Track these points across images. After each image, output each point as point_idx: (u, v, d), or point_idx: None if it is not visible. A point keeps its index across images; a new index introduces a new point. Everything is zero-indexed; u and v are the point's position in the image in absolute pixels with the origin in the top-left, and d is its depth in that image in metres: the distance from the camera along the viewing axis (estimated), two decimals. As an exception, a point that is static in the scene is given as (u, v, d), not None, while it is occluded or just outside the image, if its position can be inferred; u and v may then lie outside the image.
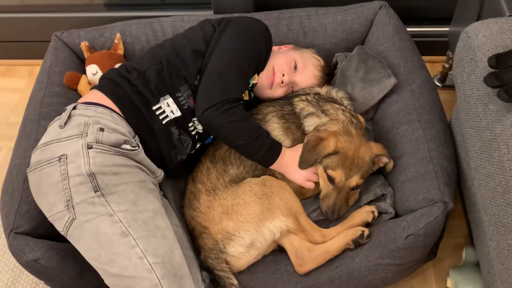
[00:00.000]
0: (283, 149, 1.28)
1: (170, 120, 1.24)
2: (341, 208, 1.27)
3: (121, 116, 1.18)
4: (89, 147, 1.08)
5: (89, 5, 2.09)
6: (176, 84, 1.25)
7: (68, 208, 1.06)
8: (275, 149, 1.27)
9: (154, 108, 1.22)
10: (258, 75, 1.39)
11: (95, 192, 1.06)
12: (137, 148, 1.16)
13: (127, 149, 1.13)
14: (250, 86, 1.38)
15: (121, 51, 1.63)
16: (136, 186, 1.11)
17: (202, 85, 1.24)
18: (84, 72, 1.60)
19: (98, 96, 1.20)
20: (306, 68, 1.44)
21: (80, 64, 1.65)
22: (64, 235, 1.10)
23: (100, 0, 2.09)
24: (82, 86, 1.56)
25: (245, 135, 1.21)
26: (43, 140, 1.15)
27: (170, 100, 1.24)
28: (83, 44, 1.61)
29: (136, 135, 1.20)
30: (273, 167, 1.28)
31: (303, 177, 1.29)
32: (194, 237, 1.30)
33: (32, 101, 1.48)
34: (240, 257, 1.23)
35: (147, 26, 1.65)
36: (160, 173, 1.27)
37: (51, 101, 1.47)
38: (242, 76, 1.27)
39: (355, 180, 1.25)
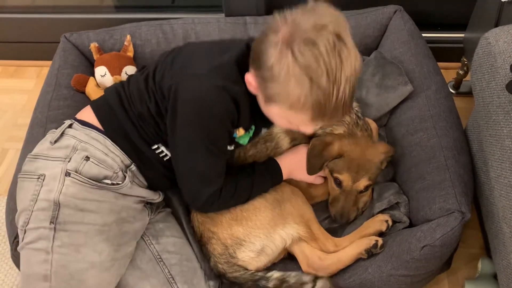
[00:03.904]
0: (281, 161, 1.25)
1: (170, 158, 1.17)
2: (349, 211, 1.26)
3: (115, 144, 1.11)
4: (67, 174, 1.04)
5: (99, 7, 2.08)
6: (164, 138, 1.14)
7: (22, 229, 1.05)
8: (275, 172, 1.24)
9: (153, 148, 1.15)
10: (241, 127, 1.14)
11: (50, 223, 1.02)
12: (120, 183, 1.09)
13: (108, 184, 1.07)
14: (237, 138, 1.18)
15: (130, 53, 1.62)
16: (93, 230, 1.05)
17: (179, 181, 1.14)
18: (93, 75, 1.58)
19: (95, 120, 1.14)
20: (307, 127, 1.05)
21: (89, 66, 1.64)
22: None
23: (110, 2, 2.08)
24: (90, 88, 1.54)
25: (244, 196, 1.19)
26: (36, 149, 1.13)
27: (164, 148, 1.16)
28: (93, 46, 1.60)
29: (132, 164, 1.13)
30: (284, 178, 1.26)
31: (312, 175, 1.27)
32: (202, 243, 1.27)
33: (40, 104, 1.47)
34: (250, 262, 1.20)
35: (157, 28, 1.64)
36: (158, 197, 1.22)
37: (59, 104, 1.46)
38: (214, 163, 1.10)
39: (362, 183, 1.24)
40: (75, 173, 1.05)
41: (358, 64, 0.92)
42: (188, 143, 1.08)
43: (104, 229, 1.07)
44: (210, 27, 1.60)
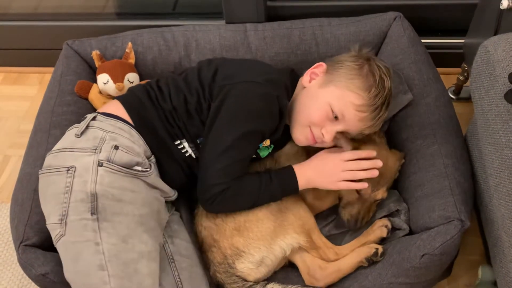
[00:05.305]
0: (300, 169, 1.21)
1: (191, 154, 1.22)
2: (364, 218, 1.26)
3: (139, 134, 1.16)
4: (100, 164, 1.06)
5: (101, 14, 2.09)
6: (191, 134, 1.22)
7: (61, 223, 1.05)
8: (288, 179, 1.20)
9: (176, 143, 1.20)
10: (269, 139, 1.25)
11: (91, 214, 1.03)
12: (148, 169, 1.12)
13: (138, 171, 1.10)
14: (260, 149, 1.27)
15: (132, 60, 1.62)
16: (133, 222, 1.07)
17: (198, 173, 1.18)
18: (95, 81, 1.59)
19: (121, 111, 1.18)
20: (345, 116, 1.16)
21: (91, 73, 1.65)
22: (55, 245, 1.10)
23: (112, 9, 2.09)
24: (93, 95, 1.55)
25: (248, 201, 1.18)
26: (58, 145, 1.14)
27: (186, 144, 1.22)
28: (95, 53, 1.61)
29: (153, 155, 1.17)
30: (301, 188, 1.22)
31: (335, 181, 1.20)
32: (203, 251, 1.27)
33: (43, 110, 1.47)
34: (249, 274, 1.20)
35: (159, 35, 1.64)
36: (174, 194, 1.25)
37: (62, 110, 1.46)
38: (234, 163, 1.15)
39: (381, 193, 1.24)
40: (108, 162, 1.06)
41: (390, 88, 1.20)
42: (223, 135, 1.13)
43: (143, 221, 1.08)
44: (210, 34, 1.61)
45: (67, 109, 1.47)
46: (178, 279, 1.17)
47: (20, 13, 2.09)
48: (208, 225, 1.26)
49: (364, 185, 1.17)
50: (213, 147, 1.15)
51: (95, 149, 1.08)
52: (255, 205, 1.19)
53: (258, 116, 1.14)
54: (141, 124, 1.17)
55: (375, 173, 1.17)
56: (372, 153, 1.20)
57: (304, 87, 1.25)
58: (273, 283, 1.18)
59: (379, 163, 1.18)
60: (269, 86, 1.16)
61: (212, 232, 1.24)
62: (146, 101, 1.20)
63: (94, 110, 1.48)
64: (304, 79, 1.25)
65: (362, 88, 1.15)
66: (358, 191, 1.24)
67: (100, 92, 1.55)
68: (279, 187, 1.19)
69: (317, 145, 1.24)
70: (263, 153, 1.27)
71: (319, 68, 1.23)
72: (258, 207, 1.20)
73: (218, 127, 1.14)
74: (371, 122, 1.17)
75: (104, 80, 1.54)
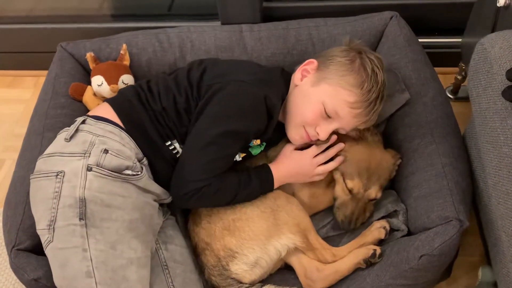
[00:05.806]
0: (272, 167, 1.22)
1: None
2: (358, 218, 1.24)
3: (130, 137, 1.15)
4: (89, 169, 1.04)
5: (95, 16, 2.08)
6: (181, 134, 1.21)
7: (49, 229, 1.03)
8: (266, 177, 1.21)
9: (167, 144, 1.19)
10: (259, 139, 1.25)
11: (79, 219, 1.02)
12: (139, 173, 1.11)
13: (128, 175, 1.08)
14: (251, 147, 1.26)
15: (127, 62, 1.61)
16: (122, 228, 1.05)
17: (177, 166, 1.17)
18: (90, 83, 1.58)
19: (111, 114, 1.17)
20: (339, 113, 1.16)
21: (86, 75, 1.63)
22: (44, 251, 1.08)
23: (106, 11, 2.09)
24: (88, 97, 1.54)
25: (227, 198, 1.17)
26: (48, 149, 1.13)
27: (177, 145, 1.20)
28: (89, 55, 1.59)
29: (145, 157, 1.16)
30: (276, 186, 1.23)
31: (309, 175, 1.23)
32: (197, 254, 1.25)
33: (37, 112, 1.46)
34: (244, 275, 1.18)
35: (153, 37, 1.63)
36: (168, 196, 1.23)
37: (56, 113, 1.45)
38: (216, 161, 1.14)
39: (374, 191, 1.23)
40: (97, 167, 1.05)
41: (384, 81, 1.19)
42: (206, 131, 1.12)
43: (133, 226, 1.07)
44: (206, 35, 1.60)
45: (61, 111, 1.46)
46: (172, 286, 1.15)
47: (14, 16, 2.08)
48: (198, 230, 1.25)
49: (334, 164, 1.24)
50: (194, 141, 1.14)
51: (84, 153, 1.07)
52: (232, 202, 1.18)
53: (243, 116, 1.14)
54: (131, 126, 1.16)
55: (341, 159, 1.24)
56: (333, 138, 1.23)
57: (296, 86, 1.23)
58: (269, 285, 1.17)
59: (341, 145, 1.24)
60: (257, 86, 1.16)
61: (202, 236, 1.23)
62: (136, 103, 1.19)
63: (88, 112, 1.47)
64: (296, 76, 1.24)
65: (354, 85, 1.14)
66: (351, 191, 1.23)
67: (95, 94, 1.54)
68: (258, 186, 1.19)
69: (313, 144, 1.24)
70: (255, 151, 1.26)
71: (310, 65, 1.22)
72: (247, 206, 1.19)
73: (202, 123, 1.14)
74: (366, 117, 1.17)
75: (98, 82, 1.53)
